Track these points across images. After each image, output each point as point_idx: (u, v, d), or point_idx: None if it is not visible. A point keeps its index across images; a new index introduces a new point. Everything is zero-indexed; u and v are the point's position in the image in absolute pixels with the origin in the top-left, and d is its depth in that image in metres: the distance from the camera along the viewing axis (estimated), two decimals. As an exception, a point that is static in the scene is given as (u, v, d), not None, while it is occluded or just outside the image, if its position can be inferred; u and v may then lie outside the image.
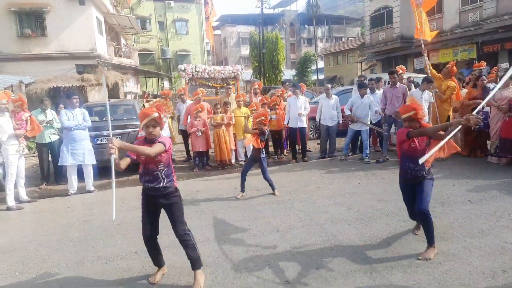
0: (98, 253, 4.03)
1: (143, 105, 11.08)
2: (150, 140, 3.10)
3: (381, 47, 24.48)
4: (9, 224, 5.26)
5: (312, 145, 10.07)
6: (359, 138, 8.21)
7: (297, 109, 8.29)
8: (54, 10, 17.44)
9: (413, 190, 3.64)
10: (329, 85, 9.32)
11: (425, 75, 8.44)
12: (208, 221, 4.87)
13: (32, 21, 17.57)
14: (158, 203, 3.24)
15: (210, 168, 8.18)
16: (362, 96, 7.81)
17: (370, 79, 8.65)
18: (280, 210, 5.09)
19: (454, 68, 7.64)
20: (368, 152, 7.87)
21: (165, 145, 3.02)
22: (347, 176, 6.74)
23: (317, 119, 8.80)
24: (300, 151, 8.68)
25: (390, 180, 6.21)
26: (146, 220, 3.31)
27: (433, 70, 8.08)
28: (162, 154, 3.06)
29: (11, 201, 5.78)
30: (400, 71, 8.23)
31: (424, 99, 7.00)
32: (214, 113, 8.25)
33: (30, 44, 17.30)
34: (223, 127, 8.11)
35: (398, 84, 7.55)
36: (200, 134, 7.96)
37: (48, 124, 7.02)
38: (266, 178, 5.81)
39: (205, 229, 4.59)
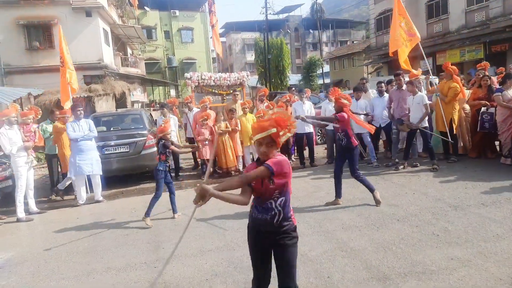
0: (108, 264, 4.02)
1: (150, 114, 11.14)
2: (263, 162, 2.33)
3: (387, 49, 24.26)
4: (19, 236, 5.29)
5: (320, 150, 10.01)
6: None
7: (303, 114, 8.24)
8: (61, 23, 17.65)
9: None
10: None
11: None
12: (216, 229, 4.83)
13: (40, 34, 17.86)
14: (268, 241, 2.50)
15: (218, 175, 8.16)
16: (357, 99, 7.81)
17: (379, 82, 8.56)
18: (289, 217, 5.03)
19: (452, 67, 7.24)
20: (375, 155, 7.79)
21: (269, 169, 2.24)
22: (356, 181, 6.65)
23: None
24: (307, 156, 8.62)
25: (400, 184, 6.12)
26: (257, 264, 2.59)
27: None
28: (281, 178, 2.32)
29: (21, 213, 5.83)
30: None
31: (417, 103, 6.95)
32: (216, 121, 8.26)
33: (38, 56, 17.57)
34: (227, 134, 8.10)
35: (405, 86, 7.48)
36: (207, 142, 7.96)
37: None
38: None
39: (213, 237, 4.55)
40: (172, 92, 33.65)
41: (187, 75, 12.40)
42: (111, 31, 21.23)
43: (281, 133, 2.29)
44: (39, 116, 6.77)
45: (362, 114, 7.61)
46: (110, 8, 20.98)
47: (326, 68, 42.34)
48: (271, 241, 2.46)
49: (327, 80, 40.49)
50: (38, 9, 17.43)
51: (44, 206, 6.62)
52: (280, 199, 2.37)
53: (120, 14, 24.48)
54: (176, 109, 9.81)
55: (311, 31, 51.65)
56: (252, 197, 2.46)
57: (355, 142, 5.46)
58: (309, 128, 8.39)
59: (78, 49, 17.20)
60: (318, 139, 11.16)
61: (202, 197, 2.25)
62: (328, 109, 8.36)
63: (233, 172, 8.16)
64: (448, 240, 3.86)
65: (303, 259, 3.75)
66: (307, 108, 8.38)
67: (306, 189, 6.41)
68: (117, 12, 23.31)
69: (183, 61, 37.18)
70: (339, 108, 5.36)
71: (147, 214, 5.20)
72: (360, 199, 5.50)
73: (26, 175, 5.95)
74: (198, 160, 8.81)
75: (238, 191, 2.45)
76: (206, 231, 4.79)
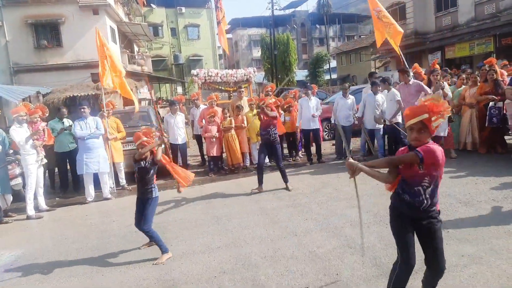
0: (117, 261, 4.04)
1: (158, 112, 11.16)
2: (414, 148, 2.34)
3: (394, 44, 24.10)
4: (29, 233, 5.34)
5: (327, 146, 9.95)
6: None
7: (310, 110, 8.20)
8: (68, 21, 17.81)
9: None
10: (347, 85, 9.19)
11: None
12: (224, 226, 4.83)
13: (48, 33, 17.99)
14: (412, 224, 2.50)
15: (225, 172, 8.16)
16: (375, 93, 7.68)
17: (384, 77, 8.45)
18: (297, 214, 5.02)
19: (436, 66, 7.61)
20: (383, 152, 7.72)
21: (418, 155, 2.25)
22: (365, 177, 6.56)
23: (332, 121, 8.67)
24: (315, 152, 8.57)
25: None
26: (405, 242, 2.50)
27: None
28: (431, 166, 2.31)
29: (31, 210, 5.89)
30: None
31: (389, 99, 6.93)
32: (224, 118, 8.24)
33: (46, 55, 17.71)
34: (233, 131, 8.08)
35: (412, 80, 7.36)
36: (214, 140, 7.96)
37: (67, 131, 7.12)
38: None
39: (221, 234, 4.55)
40: (179, 89, 33.72)
41: (194, 72, 12.41)
42: (118, 28, 21.30)
43: (433, 119, 2.29)
44: (47, 115, 6.81)
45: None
46: (117, 5, 21.02)
47: (333, 63, 42.05)
48: (415, 225, 2.49)
49: (334, 76, 40.25)
50: (46, 7, 17.54)
51: (53, 203, 6.68)
52: (430, 188, 2.36)
53: (127, 11, 24.53)
54: (183, 106, 9.81)
55: (318, 26, 51.28)
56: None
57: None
58: (316, 124, 8.33)
59: (85, 47, 17.30)
60: (325, 135, 11.10)
61: (352, 171, 2.53)
62: (342, 104, 8.29)
63: (239, 170, 8.15)
64: (458, 236, 3.81)
65: (311, 256, 3.73)
66: (314, 104, 8.32)
67: (313, 185, 6.37)
68: (123, 9, 23.36)
69: (190, 58, 37.22)
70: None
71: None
72: (369, 195, 5.45)
73: (36, 173, 6.00)
74: (205, 157, 8.81)
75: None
76: (213, 228, 4.79)
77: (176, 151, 8.19)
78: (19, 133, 5.89)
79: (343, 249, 3.80)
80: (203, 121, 8.28)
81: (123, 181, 7.39)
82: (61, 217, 5.97)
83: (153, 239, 4.10)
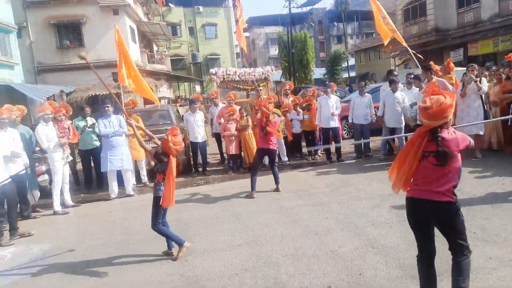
0: (141, 257, 4.13)
1: (177, 110, 11.30)
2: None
3: (415, 41, 23.59)
4: (56, 228, 5.51)
5: (346, 145, 9.85)
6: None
7: (329, 109, 8.15)
8: (90, 21, 18.19)
9: None
10: (363, 83, 9.09)
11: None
12: (244, 224, 4.86)
13: (70, 33, 18.43)
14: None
15: (244, 170, 8.19)
16: (394, 91, 7.56)
17: (409, 74, 8.28)
18: (317, 213, 5.00)
19: (451, 65, 7.47)
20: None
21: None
22: (386, 176, 6.49)
23: (350, 119, 8.58)
24: (334, 151, 8.51)
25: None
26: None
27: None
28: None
29: (57, 206, 6.07)
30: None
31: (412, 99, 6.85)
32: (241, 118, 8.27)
33: (68, 54, 18.14)
34: (250, 129, 8.09)
35: (435, 78, 7.20)
36: (233, 138, 8.00)
37: (90, 129, 7.29)
38: None
39: (242, 232, 4.59)
40: (197, 88, 33.99)
41: (212, 70, 12.50)
42: (137, 28, 21.62)
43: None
44: (70, 113, 6.98)
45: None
46: (136, 5, 21.34)
47: (351, 61, 41.52)
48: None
49: (353, 74, 39.75)
50: (68, 8, 17.96)
51: (78, 199, 6.86)
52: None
53: (146, 11, 24.87)
54: (201, 105, 9.90)
55: (336, 23, 50.70)
56: None
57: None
58: (335, 123, 8.27)
59: (106, 47, 17.63)
60: (345, 133, 10.99)
61: None
62: (359, 102, 8.21)
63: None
64: (485, 238, 3.72)
65: (333, 255, 3.72)
66: (333, 102, 8.26)
67: (333, 184, 6.34)
68: (142, 9, 23.70)
69: (207, 56, 37.45)
70: None
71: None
72: (391, 194, 5.37)
73: (62, 170, 6.18)
74: (225, 155, 8.88)
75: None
76: (233, 226, 4.83)
77: (196, 149, 8.29)
78: (45, 131, 6.07)
79: (365, 249, 3.77)
80: (222, 119, 8.33)
81: (144, 178, 7.53)
82: (86, 213, 6.13)
83: (165, 236, 4.08)
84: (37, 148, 6.77)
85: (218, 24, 38.35)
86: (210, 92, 11.00)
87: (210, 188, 7.05)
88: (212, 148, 10.47)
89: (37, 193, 6.40)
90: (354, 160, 8.18)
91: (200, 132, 8.16)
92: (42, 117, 6.18)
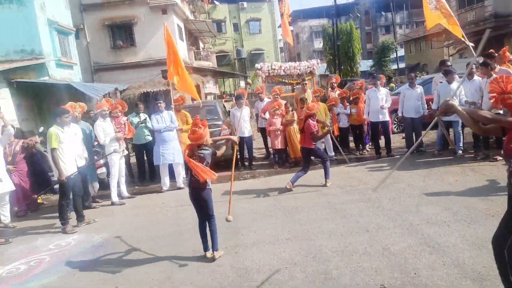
0: (192, 247, 4.27)
1: (223, 105, 11.50)
2: None
3: (471, 28, 22.02)
4: (114, 218, 5.86)
5: (397, 139, 9.48)
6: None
7: (378, 102, 7.87)
8: (140, 22, 19.00)
9: None
10: (413, 74, 8.67)
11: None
12: (292, 219, 4.86)
13: (123, 33, 19.38)
14: None
15: (290, 165, 8.17)
16: (449, 82, 7.10)
17: (469, 63, 7.68)
18: (367, 209, 4.88)
19: (507, 54, 6.97)
20: (462, 145, 7.16)
21: None
22: (440, 172, 6.20)
23: (399, 113, 8.23)
24: (384, 146, 8.22)
25: (493, 176, 5.56)
26: None
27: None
28: None
29: (115, 197, 6.46)
30: None
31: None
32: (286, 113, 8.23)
33: (121, 54, 19.11)
34: (295, 124, 8.02)
35: (498, 68, 6.67)
36: (279, 132, 8.00)
37: (143, 124, 7.64)
38: None
39: (290, 226, 4.59)
40: (242, 83, 34.35)
41: (257, 65, 12.53)
42: (184, 26, 22.24)
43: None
44: (126, 109, 7.37)
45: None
46: (183, 4, 21.94)
47: (401, 52, 39.73)
48: None
49: (402, 65, 38.05)
50: (120, 10, 18.88)
51: (133, 191, 7.23)
52: None
53: (192, 9, 25.48)
54: (246, 100, 9.99)
55: (383, 13, 48.72)
56: None
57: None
58: (385, 116, 7.98)
59: (155, 46, 18.34)
60: (395, 127, 10.58)
61: (444, 112, 2.67)
62: (409, 95, 7.86)
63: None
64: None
65: (385, 253, 3.62)
66: (383, 95, 7.97)
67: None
68: (189, 7, 24.31)
69: (252, 52, 37.70)
70: None
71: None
72: (447, 192, 5.11)
73: (119, 163, 6.56)
74: (270, 149, 8.91)
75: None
76: (281, 220, 4.85)
77: (243, 144, 8.40)
78: (103, 126, 6.47)
79: (420, 247, 3.62)
80: (267, 114, 8.36)
81: None
82: (140, 204, 6.47)
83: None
84: (95, 143, 7.22)
85: (262, 19, 38.44)
86: (254, 87, 11.02)
87: (256, 182, 7.13)
88: (257, 142, 10.55)
89: (97, 185, 6.84)
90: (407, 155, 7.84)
91: (246, 127, 8.26)
92: (100, 113, 6.58)
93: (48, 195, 7.61)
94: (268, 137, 8.91)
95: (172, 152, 7.02)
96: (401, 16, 49.12)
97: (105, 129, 6.46)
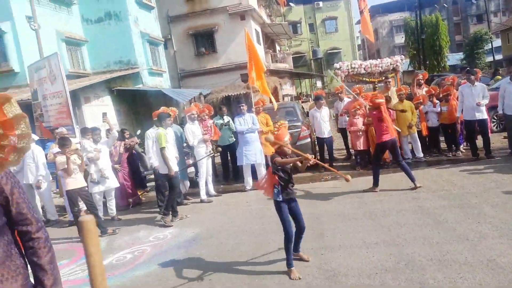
0: (278, 245, 4.34)
1: (302, 106, 11.52)
2: None
3: None
4: (204, 214, 6.23)
5: (497, 139, 8.53)
6: None
7: (473, 98, 7.16)
8: (221, 29, 19.95)
9: None
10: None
11: None
12: (379, 222, 4.68)
13: (205, 41, 20.55)
14: None
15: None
16: None
17: None
18: (466, 216, 4.49)
19: None
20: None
21: None
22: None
23: (499, 110, 7.40)
24: (482, 146, 7.46)
25: None
26: None
27: None
28: None
29: (203, 195, 6.87)
30: None
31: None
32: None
33: (204, 60, 20.28)
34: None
35: None
36: (361, 133, 7.76)
37: (227, 126, 8.02)
38: None
39: (377, 230, 4.43)
40: (318, 84, 33.98)
41: (336, 65, 12.31)
42: (261, 30, 22.77)
43: None
44: (212, 113, 7.81)
45: None
46: (260, 9, 22.49)
47: (497, 42, 35.57)
48: None
49: (498, 57, 34.05)
50: (203, 19, 20.05)
51: (218, 190, 7.61)
52: None
53: (269, 13, 25.97)
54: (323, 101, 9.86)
55: (474, 1, 44.14)
56: None
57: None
58: (482, 114, 7.24)
59: (235, 51, 19.12)
60: (494, 126, 9.53)
61: None
62: (510, 90, 7.05)
63: (387, 164, 7.73)
64: None
65: (490, 265, 3.30)
66: (478, 91, 7.24)
67: (483, 184, 5.58)
68: (265, 12, 24.82)
69: (328, 52, 37.11)
70: None
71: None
72: None
73: (206, 163, 6.97)
74: (351, 150, 8.68)
75: None
76: (368, 223, 4.70)
77: (323, 145, 8.31)
78: (192, 129, 6.93)
79: (535, 261, 3.23)
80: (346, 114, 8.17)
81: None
82: (226, 202, 6.80)
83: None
84: (185, 144, 7.77)
85: (338, 17, 37.64)
86: (331, 87, 10.83)
87: (338, 183, 6.99)
88: (337, 143, 10.33)
89: (187, 183, 7.37)
90: (509, 156, 7.04)
91: (326, 127, 8.17)
92: (188, 117, 7.06)
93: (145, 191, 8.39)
94: (348, 138, 8.70)
95: (254, 153, 7.24)
96: (495, 2, 44.04)
97: (193, 132, 6.92)
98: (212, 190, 7.18)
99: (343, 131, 9.04)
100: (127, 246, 5.08)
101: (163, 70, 17.12)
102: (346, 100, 8.99)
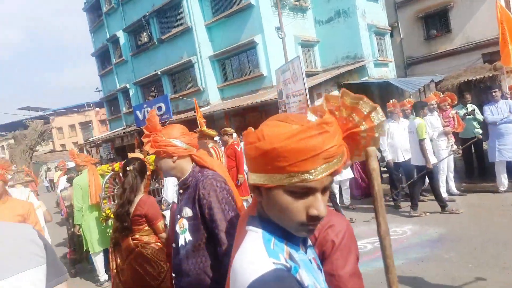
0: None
1: None
2: None
3: None
4: (446, 214, 5.61)
5: None
6: None
7: None
8: (456, 5, 17.39)
9: None
10: None
11: None
12: None
13: (437, 22, 18.43)
14: None
15: None
16: None
17: None
18: None
19: None
20: None
21: None
22: None
23: None
24: None
25: None
26: None
27: None
28: None
29: (443, 193, 6.22)
30: None
31: None
32: None
33: (436, 43, 18.26)
34: None
35: None
36: None
37: (471, 116, 7.02)
38: None
39: None
40: None
41: None
42: (505, 3, 18.41)
43: None
44: (455, 102, 6.97)
45: None
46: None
47: None
48: None
49: None
50: (434, -1, 18.04)
51: (460, 188, 6.76)
52: None
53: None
54: None
55: None
56: None
57: None
58: None
59: (474, 28, 16.40)
60: None
61: None
62: None
63: None
64: None
65: None
66: None
67: None
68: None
69: None
70: None
71: None
72: None
73: (448, 158, 6.32)
74: None
75: None
76: None
77: None
78: (430, 120, 6.39)
79: None
80: None
81: None
82: (474, 203, 5.96)
83: None
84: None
85: None
86: None
87: None
88: None
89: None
90: None
91: None
92: (427, 107, 6.54)
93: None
94: None
95: (510, 148, 6.03)
96: None
97: (432, 124, 6.37)
98: (453, 188, 6.48)
99: None
100: (367, 235, 5.20)
101: (389, 60, 16.57)
102: None
